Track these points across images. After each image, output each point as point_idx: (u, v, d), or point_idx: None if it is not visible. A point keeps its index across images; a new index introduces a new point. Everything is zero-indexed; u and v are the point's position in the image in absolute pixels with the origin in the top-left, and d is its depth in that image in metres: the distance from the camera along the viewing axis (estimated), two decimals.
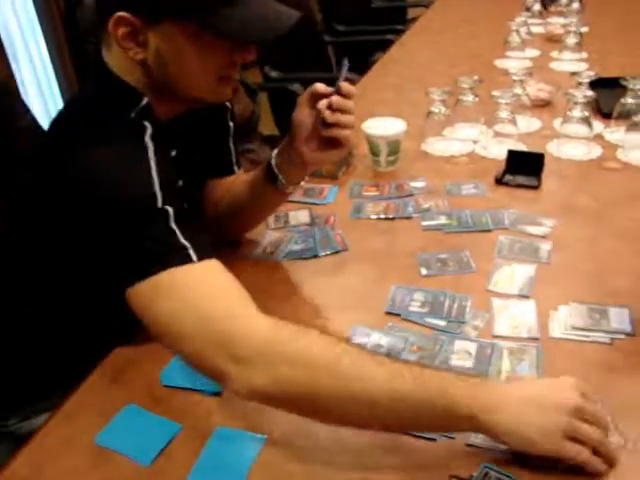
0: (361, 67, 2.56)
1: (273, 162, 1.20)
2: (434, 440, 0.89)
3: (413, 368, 0.84)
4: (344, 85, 1.11)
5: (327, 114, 1.09)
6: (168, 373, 1.03)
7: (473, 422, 0.82)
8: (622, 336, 1.06)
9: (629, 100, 1.69)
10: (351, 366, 0.83)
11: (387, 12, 4.19)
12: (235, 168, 1.34)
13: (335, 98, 1.09)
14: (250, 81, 2.42)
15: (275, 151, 1.21)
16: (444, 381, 0.83)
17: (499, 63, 2.39)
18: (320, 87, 1.12)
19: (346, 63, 1.12)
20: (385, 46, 2.90)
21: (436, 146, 1.73)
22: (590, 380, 0.97)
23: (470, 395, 0.83)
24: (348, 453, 0.89)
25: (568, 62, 2.38)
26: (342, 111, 1.10)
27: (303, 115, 1.14)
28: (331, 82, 1.13)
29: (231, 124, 1.31)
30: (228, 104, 1.30)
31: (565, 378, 0.87)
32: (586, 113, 1.67)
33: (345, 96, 1.11)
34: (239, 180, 1.32)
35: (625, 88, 1.71)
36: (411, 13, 4.21)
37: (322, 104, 1.10)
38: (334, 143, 1.14)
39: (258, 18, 0.97)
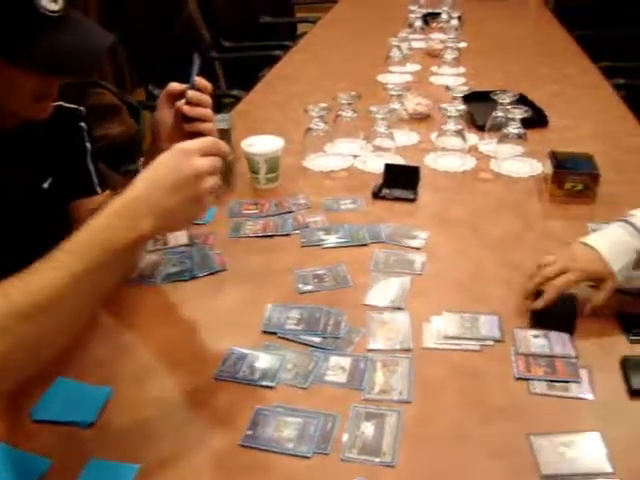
0: (249, 83, 2.56)
1: (141, 170, 1.20)
2: (308, 457, 0.90)
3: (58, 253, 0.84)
4: (199, 80, 1.13)
5: (186, 108, 1.11)
6: (40, 408, 0.99)
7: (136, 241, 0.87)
8: (491, 342, 1.10)
9: (499, 113, 1.76)
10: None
11: (276, 28, 4.22)
12: (98, 189, 1.33)
13: (191, 92, 1.12)
14: (133, 100, 2.38)
15: (141, 159, 1.21)
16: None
17: (381, 78, 2.44)
18: (175, 85, 1.15)
19: (197, 59, 1.14)
20: (273, 62, 2.91)
21: (317, 162, 1.74)
22: (460, 387, 1.01)
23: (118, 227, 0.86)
24: (223, 477, 0.89)
25: (447, 76, 2.46)
26: (201, 105, 1.12)
27: (163, 115, 1.16)
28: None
29: (88, 145, 1.31)
30: (84, 125, 1.30)
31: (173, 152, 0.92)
32: (460, 126, 1.72)
33: (201, 91, 1.13)
34: (110, 198, 1.31)
35: (496, 102, 1.78)
36: (301, 29, 4.25)
37: (181, 101, 1.13)
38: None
39: (69, 49, 0.99)
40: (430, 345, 1.10)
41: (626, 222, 1.16)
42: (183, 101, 1.12)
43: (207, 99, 1.14)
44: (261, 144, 1.61)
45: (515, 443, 0.91)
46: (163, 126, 1.16)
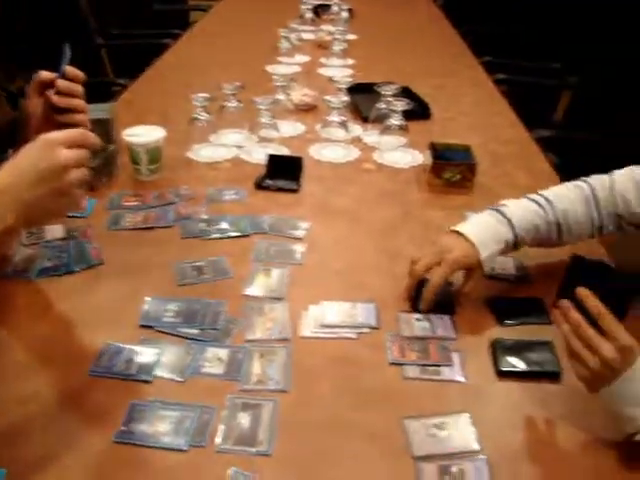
0: (139, 72, 2.50)
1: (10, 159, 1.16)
2: (184, 450, 0.89)
3: None
4: (69, 69, 1.09)
5: (55, 98, 1.08)
6: None
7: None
8: (367, 330, 1.12)
9: (382, 105, 1.80)
10: None
11: (168, 15, 4.14)
12: None
13: (60, 81, 1.08)
14: (13, 87, 2.27)
15: (10, 151, 1.16)
16: None
17: (270, 69, 2.43)
18: (45, 73, 1.11)
19: (68, 49, 1.10)
20: (163, 50, 2.86)
21: (201, 153, 1.72)
22: (336, 374, 1.03)
23: None
24: (96, 476, 0.87)
25: (335, 68, 2.49)
26: (72, 95, 1.09)
27: (33, 105, 1.12)
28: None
29: None
30: None
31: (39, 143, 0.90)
32: (343, 117, 1.75)
33: (72, 80, 1.09)
34: None
35: (380, 94, 1.81)
36: (195, 16, 4.18)
37: (50, 90, 1.09)
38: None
39: None
40: (308, 334, 1.11)
41: (495, 210, 1.21)
42: (53, 90, 1.08)
43: (78, 89, 1.10)
44: (142, 134, 1.57)
45: (389, 427, 0.94)
46: (33, 116, 1.12)
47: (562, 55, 2.88)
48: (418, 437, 0.92)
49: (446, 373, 1.04)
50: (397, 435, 0.92)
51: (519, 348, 1.09)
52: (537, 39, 3.11)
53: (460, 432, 0.93)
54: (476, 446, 0.91)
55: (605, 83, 2.56)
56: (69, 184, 0.89)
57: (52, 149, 0.89)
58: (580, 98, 2.64)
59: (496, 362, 1.06)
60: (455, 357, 1.07)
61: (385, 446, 0.91)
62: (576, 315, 0.90)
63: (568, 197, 1.22)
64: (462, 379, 1.03)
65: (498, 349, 1.08)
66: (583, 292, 0.90)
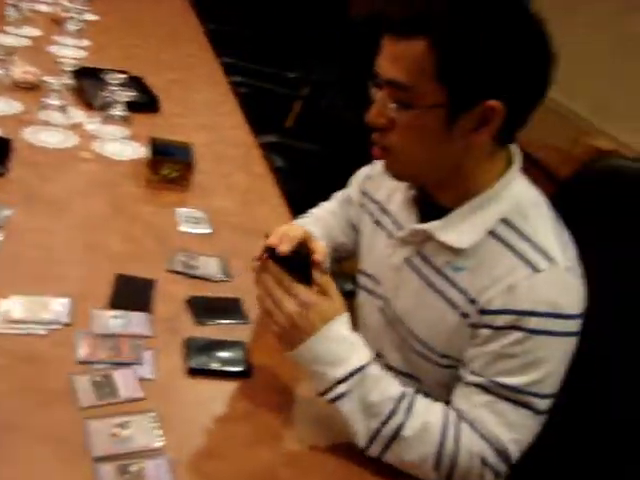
0: None
1: None
2: None
3: None
4: None
5: None
6: None
7: None
8: (59, 326, 1.09)
9: (107, 93, 1.74)
10: None
11: None
12: None
13: None
14: None
15: None
16: None
17: None
18: None
19: None
20: None
21: None
22: (17, 373, 0.98)
23: None
24: None
25: (68, 48, 2.36)
26: None
27: None
28: None
29: None
30: None
31: None
32: (64, 101, 1.67)
33: None
34: None
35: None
36: None
37: None
38: None
39: None
40: None
41: None
42: None
43: None
44: None
45: (70, 428, 0.92)
46: None
47: (299, 66, 3.03)
48: (99, 437, 0.91)
49: (137, 371, 1.04)
50: (78, 436, 0.91)
51: (212, 347, 1.12)
52: (280, 48, 3.23)
53: (143, 431, 0.94)
54: (158, 444, 0.93)
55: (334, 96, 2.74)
56: None
57: None
58: (309, 108, 2.80)
59: (188, 360, 1.08)
60: (147, 355, 1.07)
61: (64, 448, 0.89)
62: (267, 277, 0.98)
63: None
64: (152, 377, 1.04)
65: (191, 347, 1.11)
66: (266, 263, 0.98)
